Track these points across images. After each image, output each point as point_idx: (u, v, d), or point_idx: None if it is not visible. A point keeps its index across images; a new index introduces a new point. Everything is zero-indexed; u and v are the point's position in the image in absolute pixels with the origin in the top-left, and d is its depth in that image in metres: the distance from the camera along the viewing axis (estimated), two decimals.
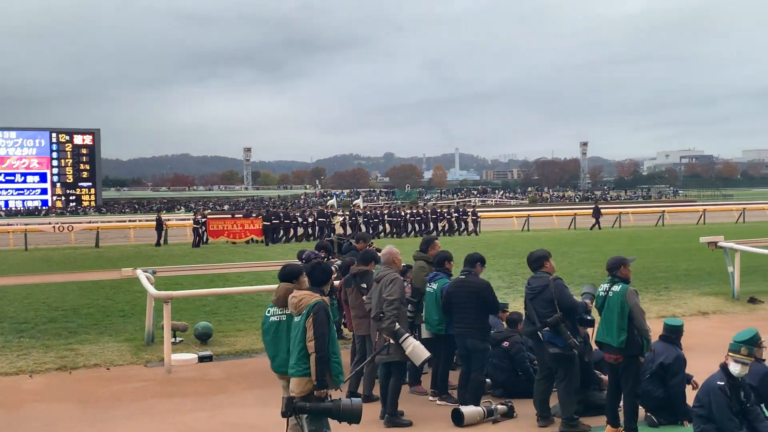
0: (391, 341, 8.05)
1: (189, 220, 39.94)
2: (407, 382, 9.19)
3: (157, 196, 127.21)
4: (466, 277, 8.58)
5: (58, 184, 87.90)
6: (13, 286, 18.71)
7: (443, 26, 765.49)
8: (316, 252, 11.44)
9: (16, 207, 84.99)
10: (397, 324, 8.04)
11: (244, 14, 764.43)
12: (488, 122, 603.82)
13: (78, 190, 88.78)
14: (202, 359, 11.38)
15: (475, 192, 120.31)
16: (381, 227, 38.31)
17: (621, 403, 7.69)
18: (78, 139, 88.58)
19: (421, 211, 41.42)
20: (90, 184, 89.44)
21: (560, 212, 52.97)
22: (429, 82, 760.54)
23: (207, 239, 34.71)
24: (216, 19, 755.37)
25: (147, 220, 46.62)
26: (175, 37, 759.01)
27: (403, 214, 40.20)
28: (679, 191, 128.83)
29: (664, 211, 48.49)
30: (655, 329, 7.89)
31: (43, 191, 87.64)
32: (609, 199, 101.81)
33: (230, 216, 41.44)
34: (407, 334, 8.11)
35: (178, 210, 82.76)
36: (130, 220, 52.78)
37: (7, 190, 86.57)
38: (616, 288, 7.57)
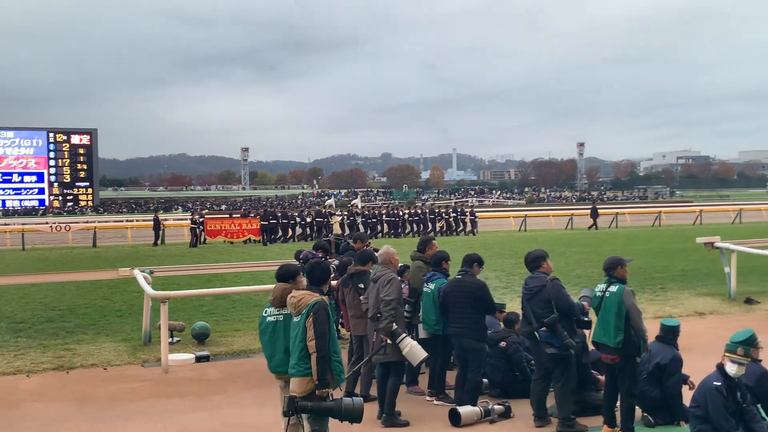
0: (388, 341, 8.07)
1: (186, 220, 39.94)
2: (405, 382, 9.20)
3: (154, 195, 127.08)
4: (463, 277, 8.60)
5: (56, 184, 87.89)
6: (10, 286, 18.68)
7: (440, 27, 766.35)
8: (314, 252, 11.46)
9: (13, 207, 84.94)
10: (394, 324, 8.05)
11: (242, 14, 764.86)
12: (486, 122, 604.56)
13: (75, 189, 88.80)
14: (199, 359, 11.38)
15: (473, 192, 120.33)
16: (379, 227, 38.34)
17: (618, 404, 7.70)
18: (75, 139, 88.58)
19: (419, 211, 41.45)
20: (87, 183, 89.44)
21: (557, 212, 53.03)
22: (426, 83, 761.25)
23: (205, 239, 34.72)
24: (213, 19, 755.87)
25: (144, 220, 46.68)
26: (172, 37, 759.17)
27: (401, 214, 40.22)
28: (676, 192, 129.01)
29: (660, 212, 48.55)
30: (651, 330, 7.90)
31: (41, 191, 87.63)
32: (605, 199, 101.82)
33: (228, 216, 41.45)
34: (404, 335, 8.12)
35: (176, 210, 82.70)
36: (127, 220, 52.81)
37: (4, 189, 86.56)
38: (613, 288, 7.58)
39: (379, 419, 8.20)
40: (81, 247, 34.82)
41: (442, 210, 42.42)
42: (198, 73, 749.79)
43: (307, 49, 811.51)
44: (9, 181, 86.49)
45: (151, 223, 36.58)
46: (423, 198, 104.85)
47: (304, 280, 6.67)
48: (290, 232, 36.25)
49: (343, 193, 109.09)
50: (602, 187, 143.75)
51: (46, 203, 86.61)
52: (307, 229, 36.43)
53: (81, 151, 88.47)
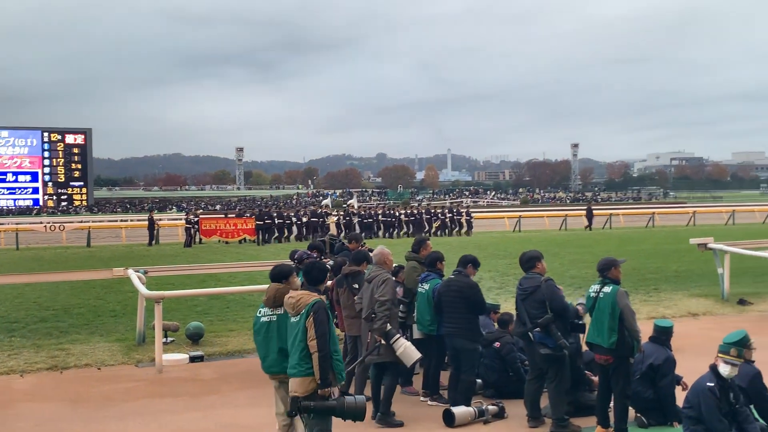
0: (382, 342, 8.08)
1: (181, 219, 39.90)
2: (399, 383, 9.21)
3: (148, 195, 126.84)
4: (456, 277, 8.61)
5: (50, 184, 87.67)
6: (3, 286, 18.62)
7: (435, 27, 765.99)
8: (309, 252, 11.45)
9: (7, 206, 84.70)
10: (388, 325, 8.06)
11: (237, 14, 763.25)
12: (480, 123, 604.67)
13: (69, 189, 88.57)
14: (193, 359, 11.37)
15: (467, 193, 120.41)
16: (375, 227, 38.37)
17: (611, 404, 7.72)
18: (70, 139, 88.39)
19: (415, 211, 41.48)
20: (82, 183, 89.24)
21: (551, 213, 53.10)
22: (421, 83, 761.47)
23: (200, 239, 34.70)
24: (209, 19, 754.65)
25: (139, 220, 46.57)
26: (168, 36, 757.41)
27: (397, 214, 40.23)
28: (670, 193, 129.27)
29: (654, 213, 48.66)
30: (645, 330, 7.93)
31: (35, 190, 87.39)
32: (599, 200, 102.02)
33: (223, 215, 41.44)
34: (398, 335, 8.14)
35: (170, 210, 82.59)
36: (121, 220, 52.71)
37: None
38: (607, 289, 7.61)
39: (374, 419, 8.21)
40: (75, 246, 34.75)
41: (438, 210, 42.45)
42: (193, 73, 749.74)
43: (302, 49, 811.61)
44: (3, 181, 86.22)
45: (146, 222, 36.53)
46: (418, 198, 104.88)
47: (297, 281, 6.68)
48: (286, 232, 36.27)
49: (338, 194, 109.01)
50: (596, 188, 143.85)
51: (41, 203, 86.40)
52: (304, 229, 36.43)
53: (75, 150, 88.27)
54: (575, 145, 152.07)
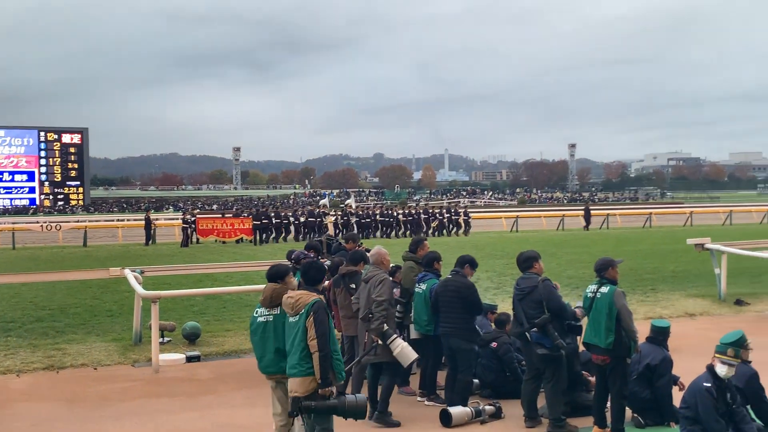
0: (379, 342, 8.07)
1: (178, 219, 39.86)
2: (396, 383, 9.20)
3: (145, 195, 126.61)
4: (453, 277, 8.61)
5: (46, 183, 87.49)
6: (0, 286, 18.59)
7: (433, 27, 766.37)
8: (305, 252, 11.43)
9: (3, 206, 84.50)
10: (385, 325, 8.06)
11: (235, 14, 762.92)
12: (477, 123, 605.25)
13: (66, 189, 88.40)
14: (190, 359, 11.36)
15: (465, 193, 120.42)
16: (373, 227, 38.37)
17: (608, 404, 7.72)
18: (66, 138, 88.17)
19: (413, 211, 41.49)
20: (78, 183, 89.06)
21: (548, 213, 53.13)
22: (419, 83, 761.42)
23: (197, 239, 34.68)
24: (206, 18, 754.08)
25: (135, 220, 46.53)
26: (165, 36, 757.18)
27: (395, 214, 40.23)
28: (667, 193, 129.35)
29: (651, 213, 48.71)
30: (642, 330, 7.94)
31: (31, 190, 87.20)
32: (597, 200, 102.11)
33: (220, 215, 41.41)
34: (395, 336, 8.13)
35: (167, 209, 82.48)
36: (118, 220, 52.62)
37: None
38: (604, 289, 7.61)
39: (371, 419, 8.20)
40: (71, 246, 34.70)
41: (436, 210, 42.45)
42: (190, 73, 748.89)
43: (299, 49, 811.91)
44: (0, 180, 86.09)
45: (143, 222, 36.49)
46: (415, 198, 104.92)
47: (294, 281, 6.67)
48: (284, 232, 36.24)
49: (335, 194, 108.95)
50: (593, 189, 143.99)
51: (37, 202, 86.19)
52: (301, 229, 36.40)
53: (72, 150, 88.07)
54: (572, 145, 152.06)
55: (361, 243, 11.81)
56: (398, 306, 8.97)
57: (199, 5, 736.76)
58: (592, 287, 7.76)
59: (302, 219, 36.96)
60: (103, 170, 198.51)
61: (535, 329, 7.80)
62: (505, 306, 12.20)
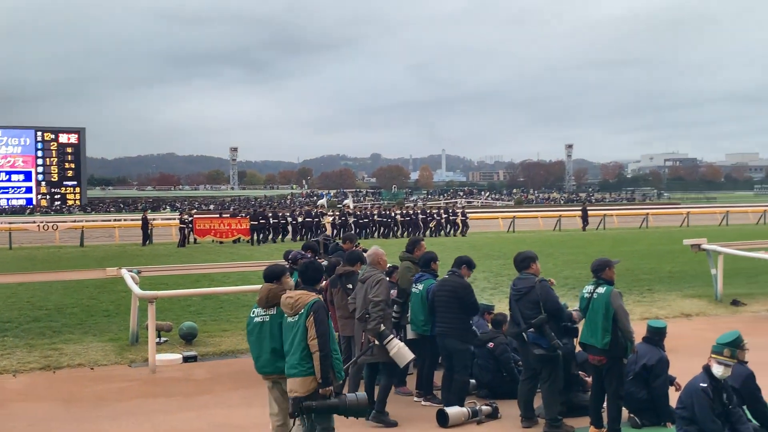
0: (376, 342, 8.07)
1: (175, 219, 39.83)
2: (394, 383, 9.20)
3: (142, 195, 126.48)
4: (449, 278, 8.62)
5: (43, 183, 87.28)
6: None
7: (430, 28, 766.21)
8: (303, 252, 11.44)
9: (0, 206, 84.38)
10: (382, 325, 8.06)
11: (232, 14, 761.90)
12: (475, 124, 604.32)
13: (63, 188, 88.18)
14: (186, 359, 11.36)
15: (462, 193, 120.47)
16: (372, 227, 38.38)
17: (604, 404, 7.73)
18: (63, 138, 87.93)
19: (410, 211, 41.49)
20: (75, 183, 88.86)
21: (545, 214, 53.19)
22: (416, 84, 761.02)
23: (195, 239, 34.66)
24: (203, 18, 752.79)
25: (132, 220, 46.49)
26: (162, 36, 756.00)
27: (392, 215, 40.24)
28: (663, 194, 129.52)
29: (648, 214, 48.79)
30: (638, 331, 7.95)
31: (28, 190, 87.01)
32: (593, 201, 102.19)
33: (217, 215, 41.41)
34: (392, 336, 8.13)
35: (164, 209, 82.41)
36: (115, 220, 52.59)
37: None
38: (601, 290, 7.62)
39: (368, 418, 8.20)
40: (68, 246, 34.67)
41: (434, 211, 42.46)
42: (187, 72, 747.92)
43: (296, 49, 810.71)
44: None
45: (139, 222, 36.47)
46: (412, 199, 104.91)
47: (290, 281, 6.67)
48: (281, 232, 36.22)
49: (332, 194, 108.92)
50: (590, 189, 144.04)
51: (34, 202, 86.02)
52: (298, 229, 36.39)
53: (69, 150, 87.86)
54: (569, 146, 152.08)
55: (358, 243, 11.81)
56: (395, 306, 8.97)
57: (197, 5, 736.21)
58: (589, 288, 7.77)
59: (300, 219, 36.96)
60: (100, 170, 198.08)
61: (531, 329, 7.82)
62: (502, 306, 12.22)
